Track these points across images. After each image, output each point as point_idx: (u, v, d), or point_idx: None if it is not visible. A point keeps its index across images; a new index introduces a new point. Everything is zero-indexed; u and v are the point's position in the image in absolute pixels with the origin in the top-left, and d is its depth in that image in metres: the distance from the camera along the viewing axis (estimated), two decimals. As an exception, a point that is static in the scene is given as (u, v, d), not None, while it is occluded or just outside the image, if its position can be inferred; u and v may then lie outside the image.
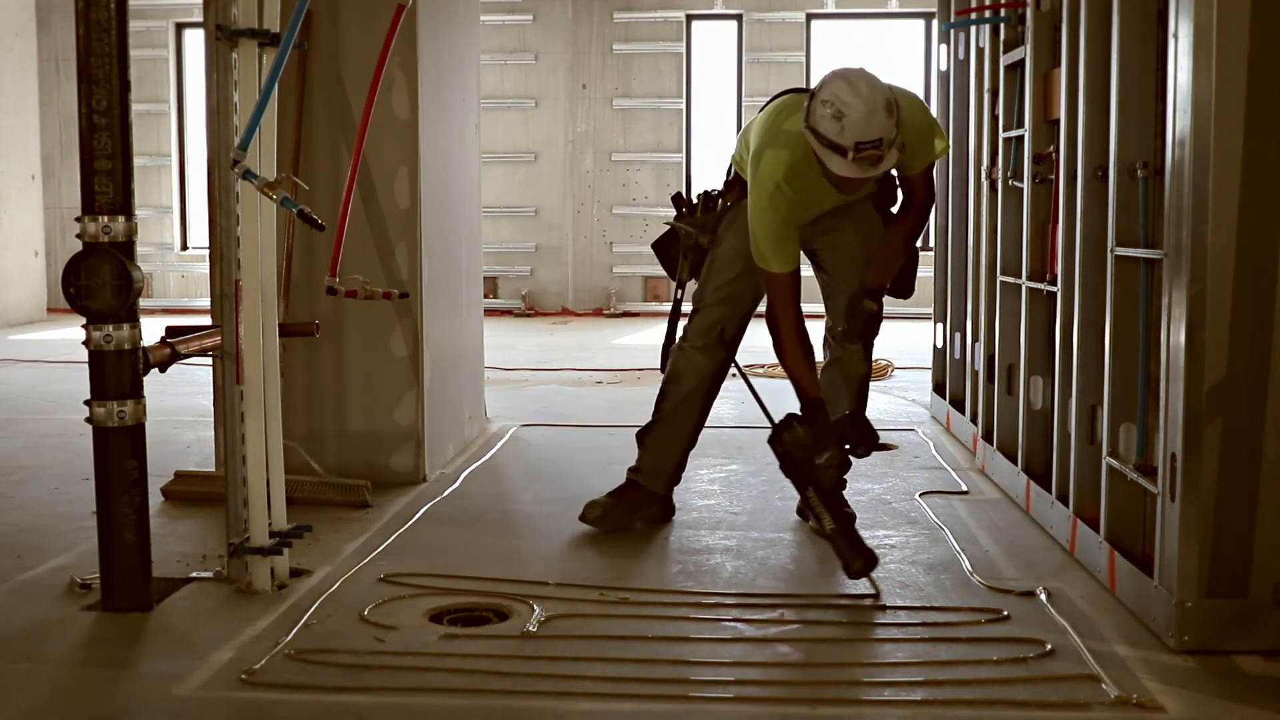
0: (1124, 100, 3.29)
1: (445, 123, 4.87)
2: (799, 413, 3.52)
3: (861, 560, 3.30)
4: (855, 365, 3.88)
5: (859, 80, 3.32)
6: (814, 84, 3.43)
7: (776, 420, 3.52)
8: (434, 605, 3.19)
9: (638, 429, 4.05)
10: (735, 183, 3.88)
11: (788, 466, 3.50)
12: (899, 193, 3.81)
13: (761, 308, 3.82)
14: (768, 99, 3.85)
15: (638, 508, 3.95)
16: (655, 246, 4.08)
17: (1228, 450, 2.82)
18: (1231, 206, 2.76)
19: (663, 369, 3.98)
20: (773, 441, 3.51)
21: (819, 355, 3.80)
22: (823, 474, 3.54)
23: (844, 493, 3.96)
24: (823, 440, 3.48)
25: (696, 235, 3.91)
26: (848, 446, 3.54)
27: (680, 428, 3.96)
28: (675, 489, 4.09)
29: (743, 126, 4.06)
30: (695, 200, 3.97)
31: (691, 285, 3.96)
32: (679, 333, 3.99)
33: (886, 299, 3.78)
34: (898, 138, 3.35)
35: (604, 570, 3.51)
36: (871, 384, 6.97)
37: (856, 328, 3.78)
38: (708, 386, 3.94)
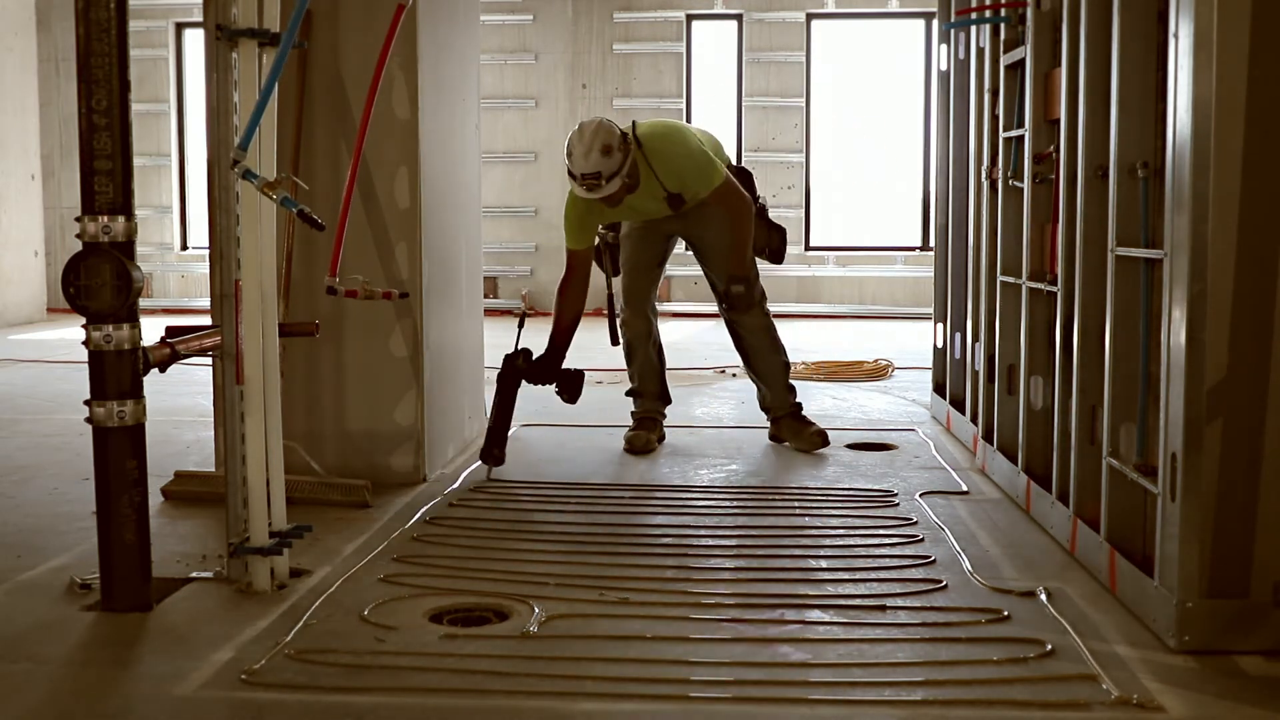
0: (1124, 100, 3.29)
1: (445, 123, 4.87)
2: (527, 350, 4.80)
3: (488, 455, 4.67)
4: (754, 325, 5.16)
5: (586, 129, 4.60)
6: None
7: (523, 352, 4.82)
8: (434, 605, 3.19)
9: (626, 390, 5.39)
10: None
11: (502, 376, 4.78)
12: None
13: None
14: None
15: (655, 429, 5.27)
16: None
17: (1228, 450, 2.82)
18: (1232, 206, 2.76)
19: (613, 341, 5.26)
20: (506, 360, 4.80)
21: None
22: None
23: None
24: (538, 376, 4.83)
25: (607, 235, 5.21)
26: (560, 392, 4.90)
27: (651, 377, 5.30)
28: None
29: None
30: None
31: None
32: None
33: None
34: (621, 172, 4.59)
35: (604, 570, 3.51)
36: (871, 382, 7.00)
37: (731, 304, 5.04)
38: (651, 339, 5.27)
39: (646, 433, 5.21)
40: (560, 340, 4.90)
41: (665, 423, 5.40)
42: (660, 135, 4.83)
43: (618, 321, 5.24)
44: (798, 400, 5.30)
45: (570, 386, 4.90)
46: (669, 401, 5.40)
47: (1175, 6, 2.83)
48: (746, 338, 5.21)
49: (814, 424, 5.22)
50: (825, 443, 5.14)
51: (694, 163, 4.83)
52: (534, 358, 4.83)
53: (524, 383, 4.84)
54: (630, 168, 4.67)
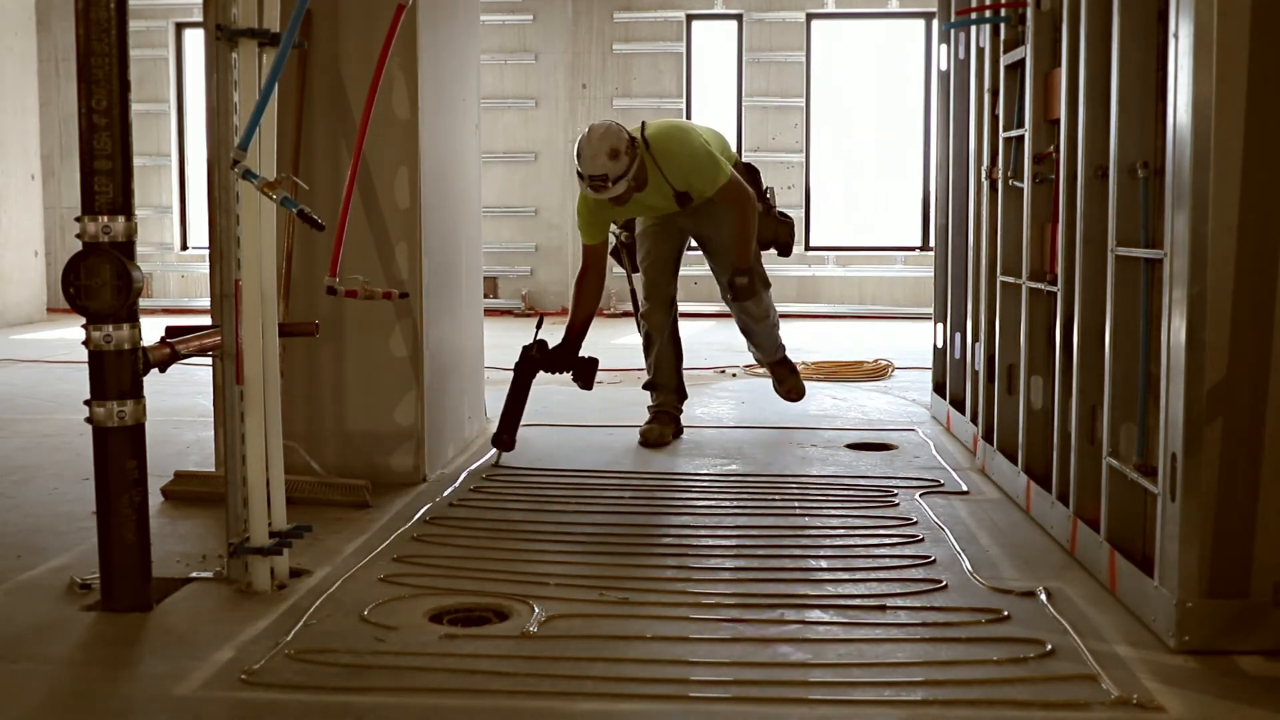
0: (1124, 100, 3.29)
1: (445, 123, 4.87)
2: (543, 341, 5.01)
3: (500, 441, 4.88)
4: (754, 315, 5.39)
5: (595, 133, 4.79)
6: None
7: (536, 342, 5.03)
8: (434, 605, 3.19)
9: (643, 383, 5.56)
10: None
11: (519, 365, 4.98)
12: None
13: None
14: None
15: (670, 424, 5.41)
16: (611, 254, 5.46)
17: (1228, 450, 2.82)
18: (1232, 206, 2.76)
19: (639, 329, 5.45)
20: (524, 350, 4.99)
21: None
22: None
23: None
24: (553, 365, 5.02)
25: (622, 235, 5.44)
26: (577, 379, 5.09)
27: (669, 369, 5.47)
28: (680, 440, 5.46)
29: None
30: None
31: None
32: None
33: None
34: (628, 174, 4.78)
35: (604, 570, 3.51)
36: (871, 382, 7.02)
37: (734, 295, 5.28)
38: (670, 331, 5.45)
39: (660, 426, 5.34)
40: (575, 331, 5.08)
41: None
42: (666, 137, 5.01)
43: (639, 315, 5.43)
44: (786, 356, 5.72)
45: (585, 373, 5.08)
46: (685, 397, 5.55)
47: (1175, 6, 2.83)
48: (744, 319, 5.49)
49: (797, 377, 5.74)
50: (799, 397, 5.70)
51: (698, 163, 5.01)
52: (549, 348, 5.01)
53: (539, 374, 5.03)
54: (638, 170, 4.85)
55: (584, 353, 5.12)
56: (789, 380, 5.72)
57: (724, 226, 5.22)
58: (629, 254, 5.45)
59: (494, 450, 4.97)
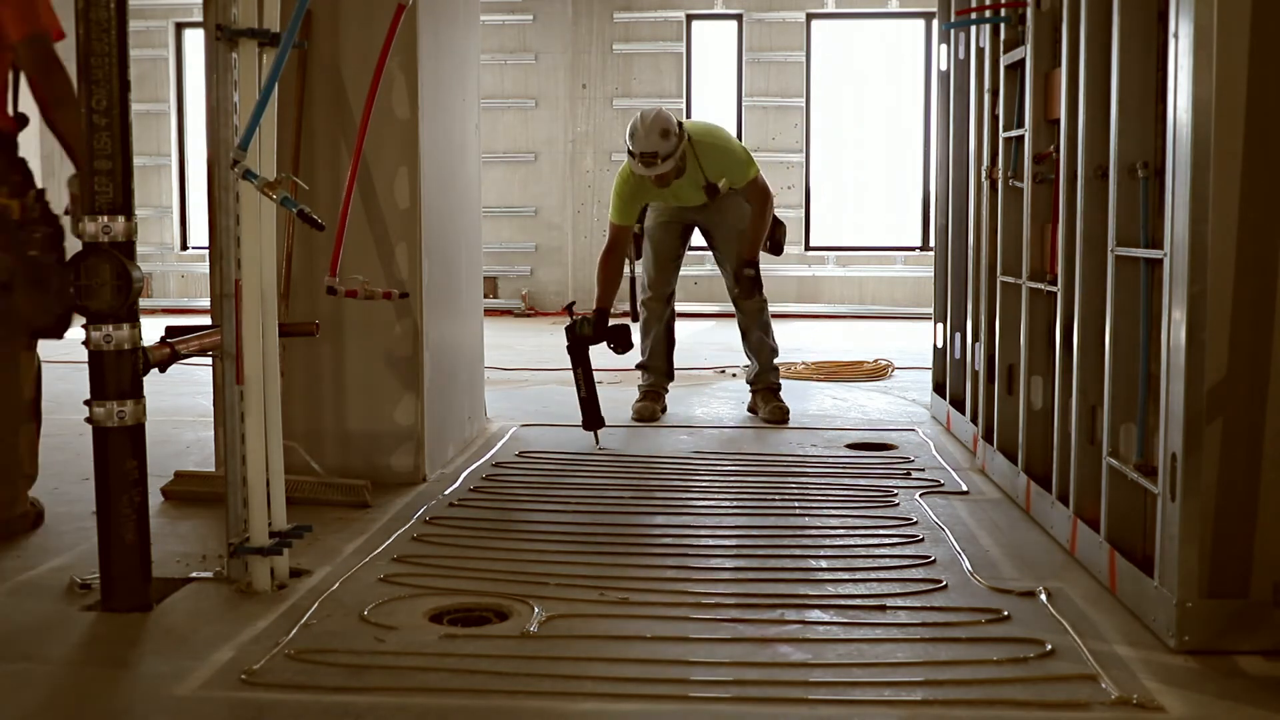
0: (1124, 100, 3.29)
1: (445, 123, 4.87)
2: (589, 315, 5.40)
3: (593, 424, 5.26)
4: (753, 309, 5.88)
5: (648, 115, 5.36)
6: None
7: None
8: (434, 605, 3.19)
9: (636, 363, 6.03)
10: None
11: (571, 347, 5.33)
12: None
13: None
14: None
15: (658, 401, 5.98)
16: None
17: (1228, 450, 2.82)
18: (1231, 206, 2.76)
19: (633, 318, 5.92)
20: (568, 330, 5.33)
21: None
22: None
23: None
24: (598, 338, 5.37)
25: (635, 227, 5.76)
26: (612, 345, 5.38)
27: (660, 354, 6.02)
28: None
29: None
30: None
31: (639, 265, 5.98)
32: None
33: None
34: (675, 154, 5.35)
35: (604, 570, 3.51)
36: (871, 382, 7.04)
37: (745, 288, 5.73)
38: (666, 320, 6.02)
39: (652, 404, 5.93)
40: (605, 303, 5.53)
41: (665, 421, 5.79)
42: (706, 131, 5.64)
43: (639, 303, 5.94)
44: (777, 382, 5.98)
45: (619, 338, 5.40)
46: (672, 378, 6.14)
47: (1175, 6, 2.83)
48: (744, 320, 5.94)
49: (781, 401, 5.91)
50: (785, 418, 5.81)
51: (735, 158, 5.60)
52: (588, 323, 5.38)
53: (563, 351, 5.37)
54: (680, 154, 5.40)
55: (612, 364, 5.49)
56: (770, 405, 5.90)
57: (735, 220, 5.71)
58: (636, 245, 5.87)
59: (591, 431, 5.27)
